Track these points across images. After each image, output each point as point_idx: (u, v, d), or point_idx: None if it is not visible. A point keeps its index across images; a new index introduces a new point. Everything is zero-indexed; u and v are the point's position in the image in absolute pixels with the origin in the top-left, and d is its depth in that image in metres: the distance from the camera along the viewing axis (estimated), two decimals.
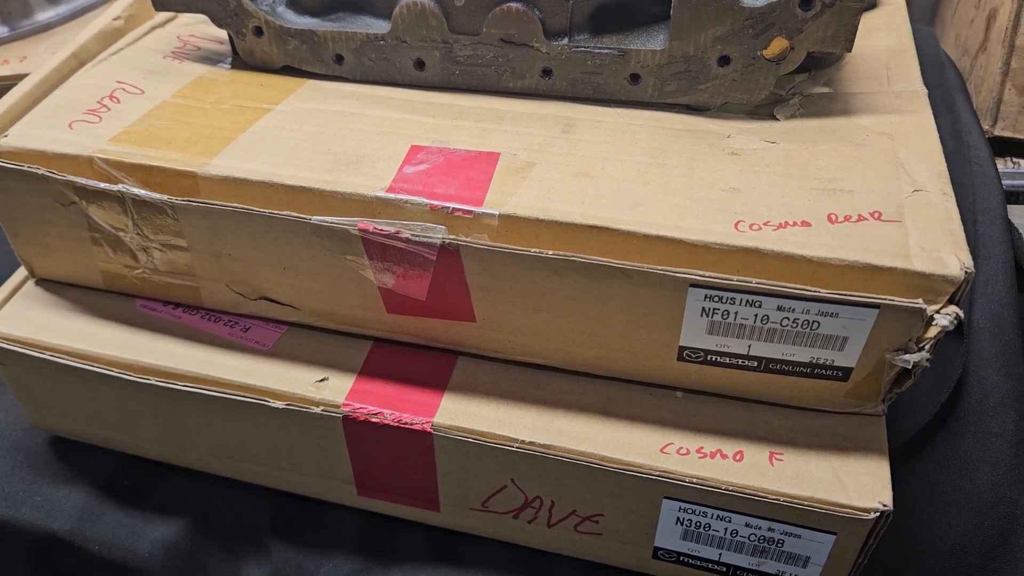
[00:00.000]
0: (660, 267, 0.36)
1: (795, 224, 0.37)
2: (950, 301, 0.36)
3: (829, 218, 0.38)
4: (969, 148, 0.69)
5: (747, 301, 0.36)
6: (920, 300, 0.34)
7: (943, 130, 0.69)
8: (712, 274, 0.36)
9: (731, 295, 0.36)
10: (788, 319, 0.36)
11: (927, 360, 0.36)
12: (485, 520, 0.44)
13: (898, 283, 0.35)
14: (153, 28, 0.54)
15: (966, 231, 0.37)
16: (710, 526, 0.40)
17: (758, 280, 0.35)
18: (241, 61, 0.51)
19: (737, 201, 0.39)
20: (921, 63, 0.50)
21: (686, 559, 0.42)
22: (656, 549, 0.42)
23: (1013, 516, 0.50)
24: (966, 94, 0.75)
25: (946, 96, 0.72)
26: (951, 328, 0.36)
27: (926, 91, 0.47)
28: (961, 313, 0.36)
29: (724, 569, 0.42)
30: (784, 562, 0.40)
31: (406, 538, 0.48)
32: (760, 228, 0.37)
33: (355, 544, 0.48)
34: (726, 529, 0.40)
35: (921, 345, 0.36)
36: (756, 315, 0.37)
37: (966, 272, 0.35)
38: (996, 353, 0.55)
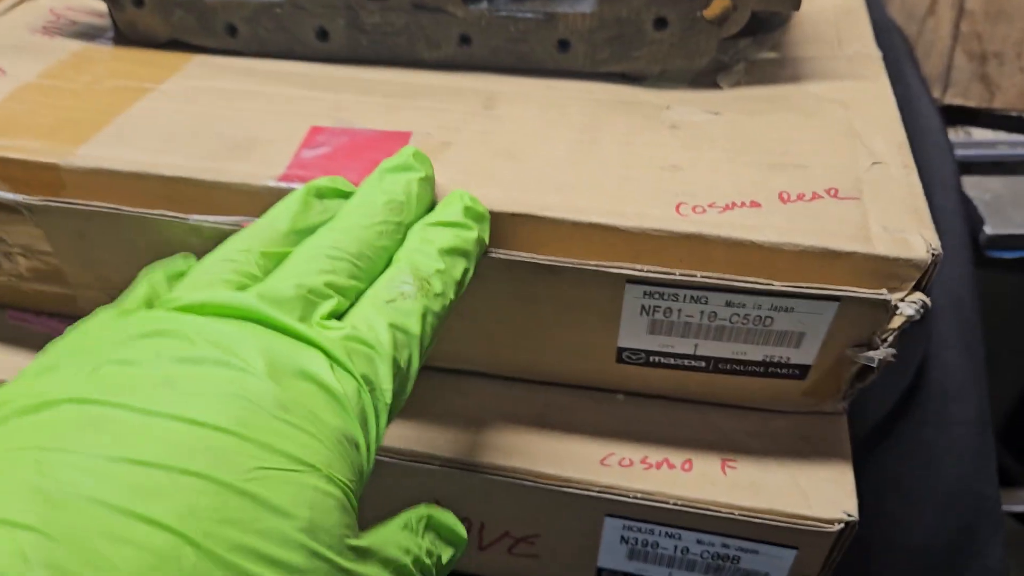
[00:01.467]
0: (592, 262, 0.32)
1: (743, 205, 0.33)
2: (916, 287, 0.32)
3: (781, 197, 0.33)
4: (919, 117, 0.66)
5: (692, 297, 0.32)
6: (884, 290, 0.31)
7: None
8: (651, 267, 0.32)
9: (673, 291, 0.32)
10: (738, 315, 0.32)
11: (892, 356, 0.32)
12: None
13: (859, 269, 0.31)
14: (22, 0, 0.48)
15: None
16: (658, 544, 0.36)
17: (704, 274, 0.31)
18: (123, 36, 0.45)
19: (678, 180, 0.34)
20: None
21: None
22: (599, 571, 0.38)
23: (979, 509, 0.47)
24: (914, 61, 0.72)
25: (894, 63, 0.68)
26: (917, 317, 0.32)
27: (880, 54, 0.43)
28: (928, 300, 0.32)
29: None
30: None
31: None
32: (704, 211, 0.33)
33: None
34: (676, 547, 0.36)
35: (884, 338, 0.33)
36: (702, 312, 0.32)
37: (933, 255, 0.31)
38: (957, 334, 0.52)
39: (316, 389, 0.22)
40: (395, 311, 0.25)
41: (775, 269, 0.32)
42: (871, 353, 0.32)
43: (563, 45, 0.41)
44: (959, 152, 0.67)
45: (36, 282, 0.39)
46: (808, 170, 0.35)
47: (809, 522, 0.33)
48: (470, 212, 0.30)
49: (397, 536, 0.25)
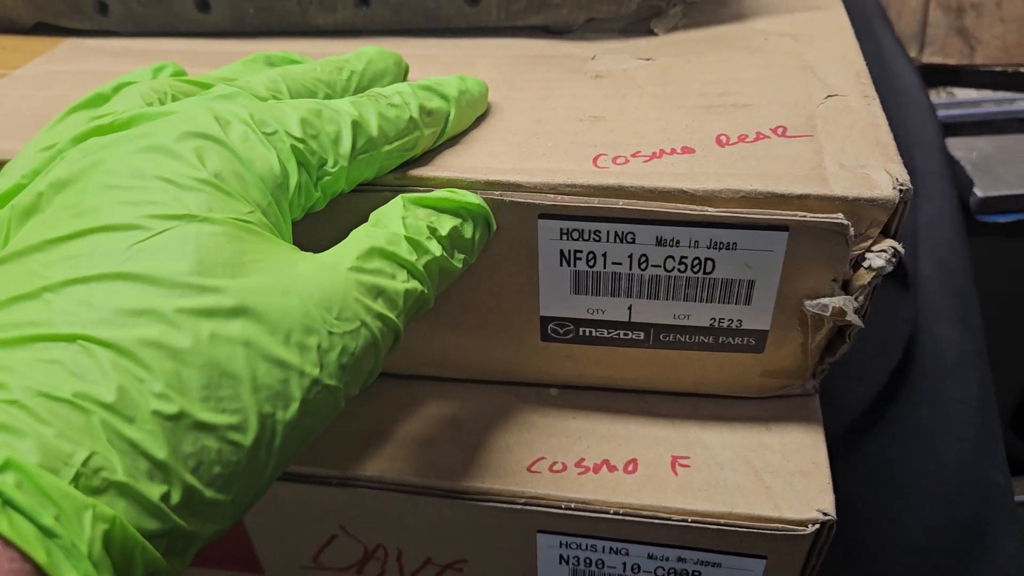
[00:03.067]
0: (497, 193, 0.27)
1: (673, 152, 0.28)
2: (884, 234, 0.27)
3: (718, 140, 0.28)
4: (896, 77, 0.61)
5: (616, 235, 0.27)
6: (840, 215, 0.25)
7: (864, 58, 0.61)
8: (566, 197, 0.26)
9: (594, 227, 0.27)
10: (673, 259, 0.27)
11: (856, 308, 0.27)
12: None
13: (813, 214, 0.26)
14: None
15: None
16: (603, 563, 0.30)
17: (625, 201, 0.26)
18: None
19: (599, 131, 0.29)
20: None
21: None
22: None
23: (987, 498, 0.41)
24: (887, 21, 0.67)
25: (864, 22, 0.64)
26: (889, 268, 0.26)
27: None
28: (900, 247, 0.26)
29: None
30: None
31: None
32: (627, 161, 0.27)
33: None
34: (625, 564, 0.30)
35: (856, 298, 0.27)
36: (631, 256, 0.27)
37: (901, 190, 0.25)
38: (950, 306, 0.47)
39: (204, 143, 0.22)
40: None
41: None
42: (825, 300, 0.27)
43: None
44: (942, 113, 0.62)
45: None
46: (751, 109, 0.30)
47: (778, 525, 0.28)
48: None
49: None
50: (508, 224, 0.27)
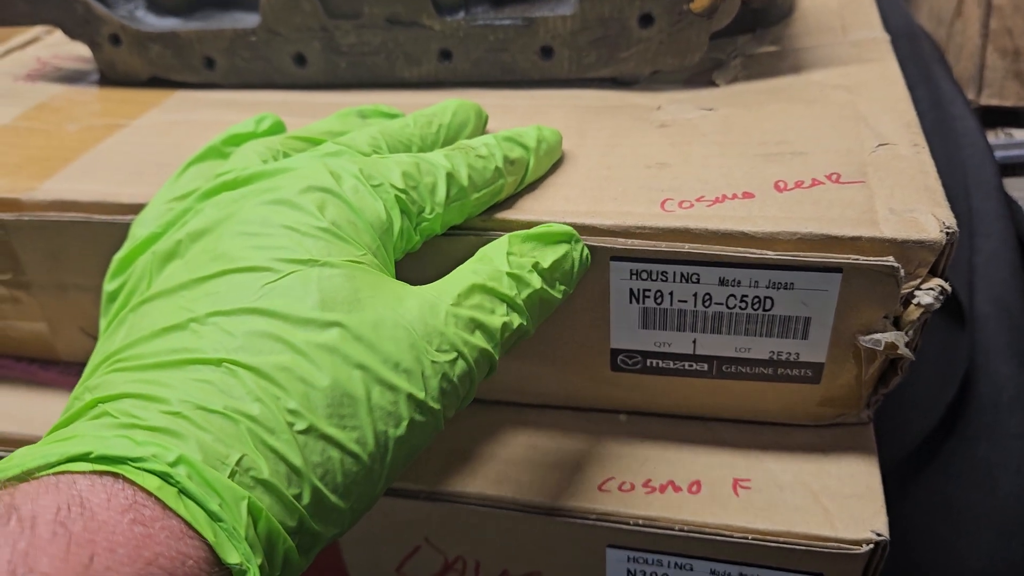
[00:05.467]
0: None
1: (735, 197, 0.30)
2: (932, 273, 0.29)
3: (776, 186, 0.31)
4: (954, 119, 0.62)
5: (682, 275, 0.29)
6: (891, 258, 0.27)
7: (922, 103, 0.62)
8: (636, 242, 0.29)
9: (662, 268, 0.29)
10: (735, 297, 0.29)
11: (906, 343, 0.29)
12: None
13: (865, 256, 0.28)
14: (9, 51, 0.48)
15: (959, 209, 0.30)
16: None
17: (691, 245, 0.28)
18: (105, 77, 0.44)
19: (665, 177, 0.32)
20: (892, 34, 0.43)
21: None
22: None
23: None
24: (945, 65, 0.68)
25: (922, 67, 0.65)
26: (937, 305, 0.28)
27: (888, 37, 0.40)
28: (947, 286, 0.28)
29: None
30: None
31: None
32: (692, 205, 0.30)
33: None
34: None
35: (906, 332, 0.29)
36: (695, 294, 0.30)
37: (947, 233, 0.27)
38: (1006, 342, 0.48)
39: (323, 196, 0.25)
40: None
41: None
42: (879, 336, 0.29)
43: (546, 52, 0.39)
44: (999, 154, 0.64)
45: (12, 320, 0.38)
46: (807, 157, 0.32)
47: (834, 544, 0.30)
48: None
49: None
50: None
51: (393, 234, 0.26)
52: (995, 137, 0.66)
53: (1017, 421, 0.45)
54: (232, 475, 0.19)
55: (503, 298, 0.26)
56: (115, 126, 0.39)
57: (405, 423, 0.22)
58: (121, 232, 0.31)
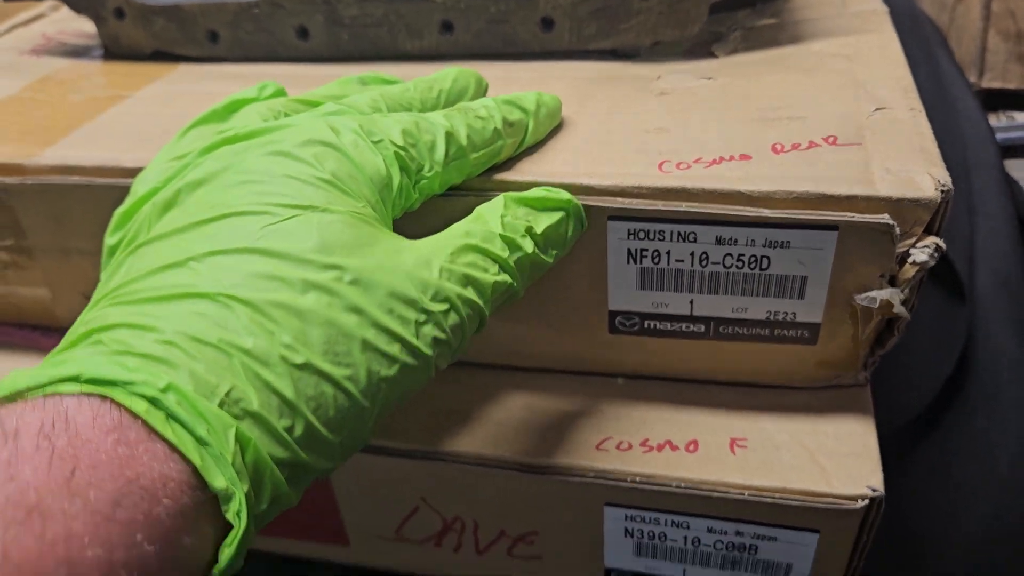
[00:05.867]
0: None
1: (732, 158, 0.31)
2: (927, 231, 0.29)
3: (773, 148, 0.31)
4: (955, 100, 0.62)
5: (679, 235, 0.30)
6: (886, 215, 0.28)
7: (923, 82, 0.63)
8: (633, 201, 0.29)
9: (659, 227, 0.30)
10: (731, 256, 0.30)
11: (902, 301, 0.29)
12: (403, 552, 0.37)
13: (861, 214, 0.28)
14: (14, 27, 0.48)
15: (959, 188, 0.30)
16: (666, 536, 0.33)
17: (688, 204, 0.29)
18: (109, 52, 0.45)
19: (663, 141, 0.32)
20: (894, 17, 0.43)
21: None
22: (608, 572, 0.35)
23: None
24: (947, 48, 0.69)
25: (924, 49, 0.65)
26: (932, 263, 0.29)
27: (887, 9, 0.40)
28: (942, 244, 0.29)
29: None
30: (761, 572, 0.33)
31: None
32: (689, 166, 0.30)
33: None
34: (686, 538, 0.32)
35: (901, 289, 0.30)
36: (693, 254, 0.30)
37: (943, 191, 0.28)
38: (1006, 315, 0.48)
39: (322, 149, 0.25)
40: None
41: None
42: (874, 294, 0.29)
43: (547, 24, 0.40)
44: (1002, 136, 0.64)
45: (14, 286, 0.38)
46: (805, 121, 0.32)
47: (830, 499, 0.30)
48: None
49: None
50: None
51: (392, 189, 0.26)
52: (997, 120, 0.66)
53: (1015, 392, 0.45)
54: (221, 405, 0.19)
55: (496, 259, 0.26)
56: (119, 97, 0.40)
57: (397, 366, 0.23)
58: (123, 196, 0.31)
